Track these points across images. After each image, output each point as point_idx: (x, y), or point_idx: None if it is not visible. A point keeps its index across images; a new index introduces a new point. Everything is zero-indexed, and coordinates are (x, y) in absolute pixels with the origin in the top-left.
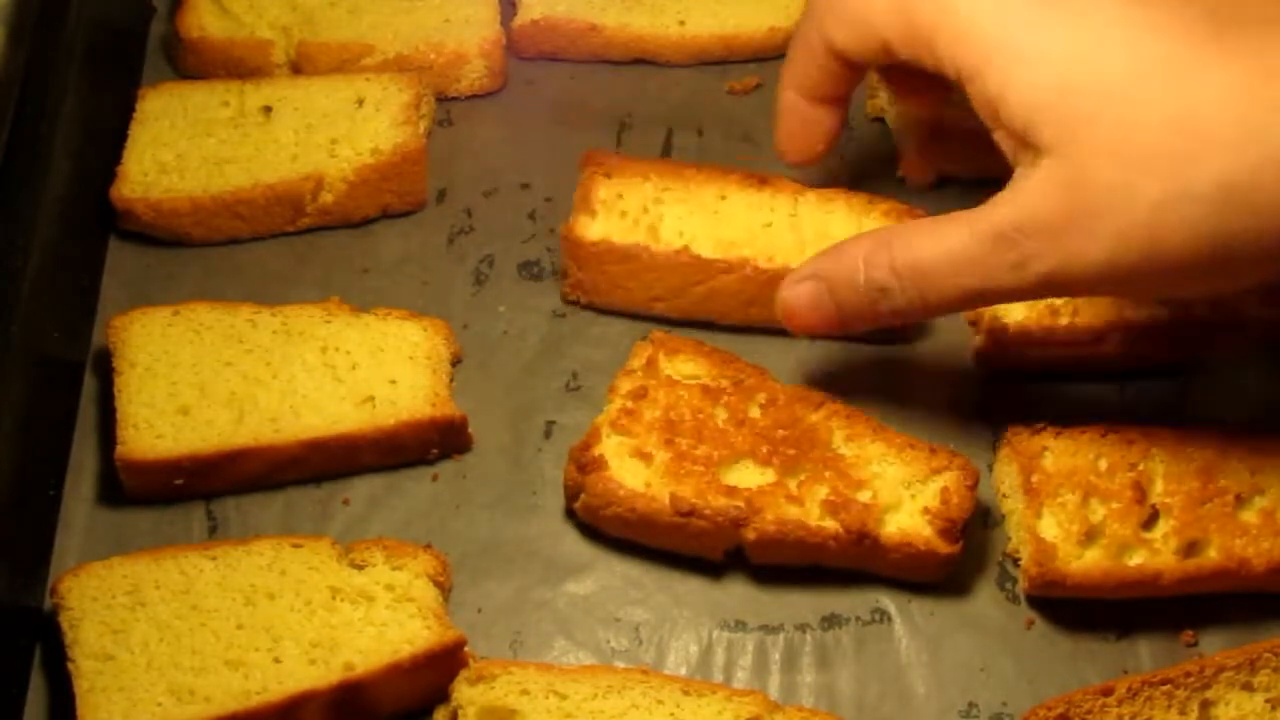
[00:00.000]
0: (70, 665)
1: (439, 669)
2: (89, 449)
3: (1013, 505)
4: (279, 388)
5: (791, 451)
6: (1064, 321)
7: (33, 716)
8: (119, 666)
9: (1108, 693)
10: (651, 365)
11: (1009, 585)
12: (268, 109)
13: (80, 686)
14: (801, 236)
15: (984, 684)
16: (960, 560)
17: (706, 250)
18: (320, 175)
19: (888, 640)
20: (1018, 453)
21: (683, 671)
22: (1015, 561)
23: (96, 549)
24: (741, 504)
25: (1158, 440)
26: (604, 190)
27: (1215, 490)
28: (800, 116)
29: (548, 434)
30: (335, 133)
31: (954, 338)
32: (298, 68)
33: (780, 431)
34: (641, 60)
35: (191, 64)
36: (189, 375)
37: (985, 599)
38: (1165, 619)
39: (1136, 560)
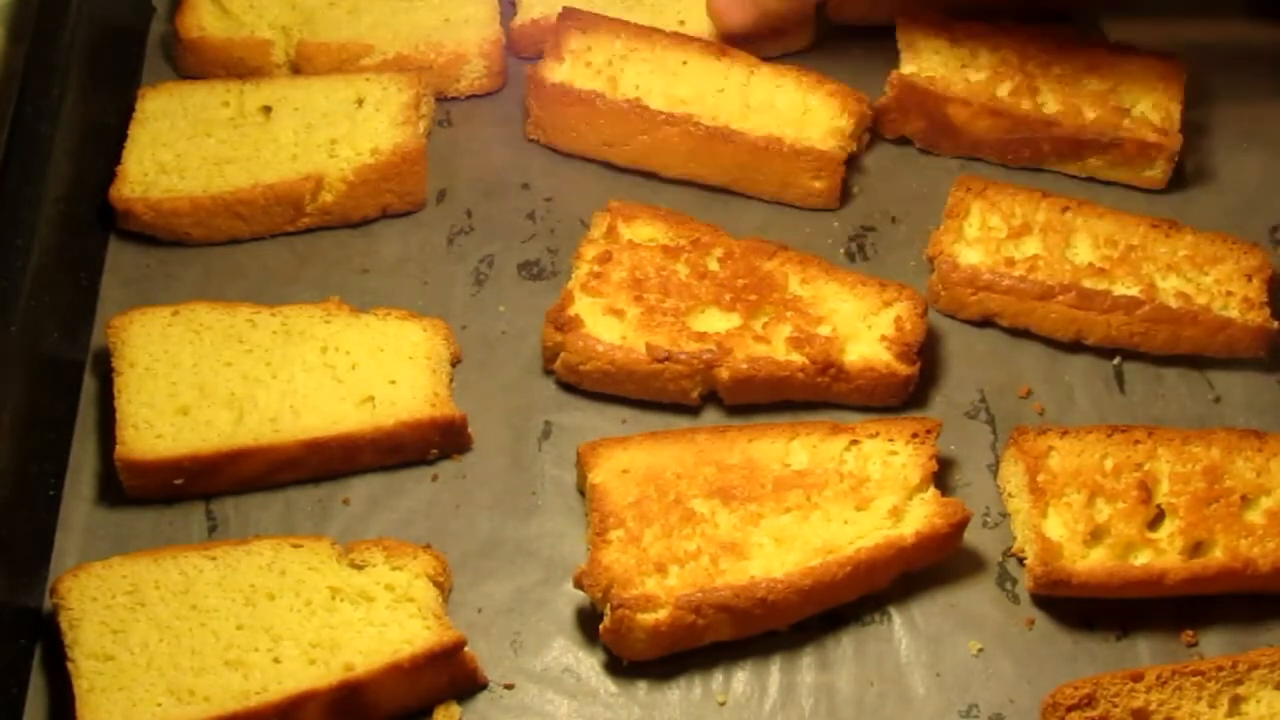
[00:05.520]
0: (70, 665)
1: (439, 669)
2: (89, 449)
3: (1018, 505)
4: (279, 388)
5: (753, 297)
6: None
7: (33, 716)
8: (119, 666)
9: (1137, 678)
10: (612, 232)
11: (1009, 585)
12: (267, 109)
13: (80, 686)
14: (748, 103)
15: (984, 684)
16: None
17: (657, 105)
18: (320, 175)
19: (888, 640)
20: (1024, 452)
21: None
22: (1019, 560)
23: (96, 549)
24: (713, 346)
25: (1163, 441)
26: (575, 42)
27: (1221, 491)
28: None
29: (547, 434)
30: (335, 133)
31: (955, 338)
32: (297, 68)
33: (740, 280)
34: None
35: (191, 64)
36: (189, 375)
37: (985, 599)
38: (1165, 619)
39: (1142, 560)
